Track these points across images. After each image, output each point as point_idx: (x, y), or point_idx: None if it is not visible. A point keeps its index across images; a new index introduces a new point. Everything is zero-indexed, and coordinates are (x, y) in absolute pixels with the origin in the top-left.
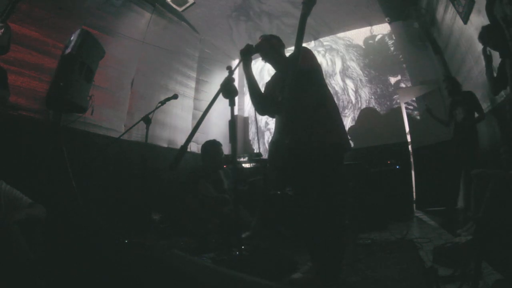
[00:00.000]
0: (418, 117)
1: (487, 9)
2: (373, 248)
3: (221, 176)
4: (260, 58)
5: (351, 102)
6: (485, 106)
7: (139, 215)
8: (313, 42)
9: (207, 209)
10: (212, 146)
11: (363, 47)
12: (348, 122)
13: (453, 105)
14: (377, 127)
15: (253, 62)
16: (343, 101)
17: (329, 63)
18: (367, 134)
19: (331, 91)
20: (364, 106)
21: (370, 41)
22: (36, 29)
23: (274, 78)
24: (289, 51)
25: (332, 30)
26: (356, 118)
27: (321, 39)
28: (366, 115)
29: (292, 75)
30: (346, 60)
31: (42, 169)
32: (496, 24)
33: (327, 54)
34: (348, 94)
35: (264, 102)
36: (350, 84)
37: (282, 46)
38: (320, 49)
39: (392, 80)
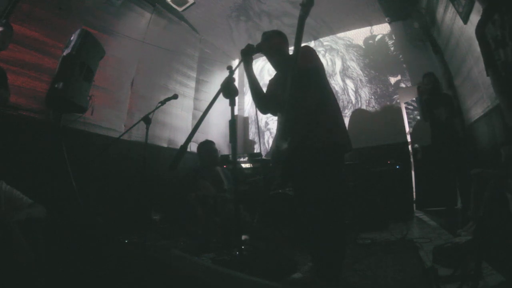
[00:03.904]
0: (418, 117)
1: (477, 31)
2: (373, 248)
3: (221, 176)
4: (261, 58)
5: (351, 102)
6: (485, 106)
7: (139, 215)
8: (313, 42)
9: (207, 209)
10: (203, 145)
11: (363, 47)
12: (348, 122)
13: (433, 104)
14: (368, 128)
15: (253, 62)
16: (343, 101)
17: (329, 63)
18: (360, 136)
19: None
20: (364, 106)
21: (370, 41)
22: (36, 29)
23: (276, 77)
24: (291, 50)
25: (332, 30)
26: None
27: (321, 39)
28: (356, 117)
29: (291, 77)
30: (346, 60)
31: (42, 169)
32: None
33: (327, 54)
34: (348, 94)
35: (265, 101)
36: (350, 84)
37: (285, 44)
38: (320, 49)
39: (392, 80)
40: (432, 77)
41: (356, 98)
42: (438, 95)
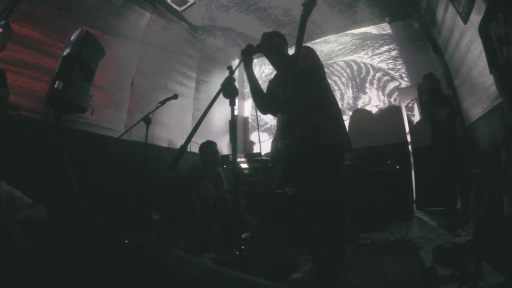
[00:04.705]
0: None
1: (481, 28)
2: (373, 248)
3: (221, 176)
4: (260, 59)
5: (351, 103)
6: (485, 106)
7: (139, 215)
8: (313, 41)
9: (208, 209)
10: (204, 146)
11: (363, 46)
12: (347, 123)
13: (433, 105)
14: (368, 128)
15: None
16: (342, 101)
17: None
18: (360, 136)
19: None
20: (364, 106)
21: (370, 41)
22: (36, 29)
23: (276, 77)
24: (292, 49)
25: (332, 30)
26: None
27: (320, 39)
28: (356, 117)
29: (292, 77)
30: (346, 59)
31: (42, 169)
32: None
33: (326, 54)
34: (347, 94)
35: (265, 101)
36: (349, 84)
37: (285, 45)
38: (320, 48)
39: (392, 80)
40: (432, 78)
41: (356, 98)
42: (438, 96)
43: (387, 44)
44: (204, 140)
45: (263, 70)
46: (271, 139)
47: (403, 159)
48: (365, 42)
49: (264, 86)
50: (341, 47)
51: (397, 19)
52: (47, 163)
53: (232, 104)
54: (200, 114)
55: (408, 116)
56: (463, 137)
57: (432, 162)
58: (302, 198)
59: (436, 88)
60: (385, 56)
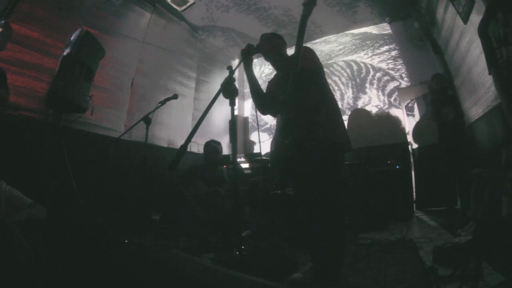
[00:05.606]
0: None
1: (480, 29)
2: (373, 248)
3: (223, 175)
4: (260, 59)
5: (351, 102)
6: (485, 106)
7: (139, 215)
8: (313, 41)
9: (204, 206)
10: (206, 145)
11: (363, 46)
12: (346, 123)
13: (440, 104)
14: (368, 128)
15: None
16: (342, 101)
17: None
18: (359, 136)
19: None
20: (364, 106)
21: (370, 41)
22: (36, 29)
23: (276, 77)
24: (292, 49)
25: (332, 30)
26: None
27: (319, 39)
28: (355, 117)
29: (292, 76)
30: (346, 59)
31: (42, 169)
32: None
33: (325, 54)
34: (347, 94)
35: (265, 101)
36: (349, 84)
37: (284, 45)
38: (319, 48)
39: (392, 80)
40: (441, 78)
41: (356, 98)
42: (444, 96)
43: (387, 44)
44: (204, 140)
45: (263, 70)
46: (271, 139)
47: (403, 159)
48: (365, 42)
49: (264, 86)
50: (341, 47)
51: (397, 19)
52: (47, 163)
53: (232, 104)
54: (200, 114)
55: (408, 116)
56: (466, 137)
57: (437, 162)
58: (302, 198)
59: (444, 88)
60: (385, 56)
